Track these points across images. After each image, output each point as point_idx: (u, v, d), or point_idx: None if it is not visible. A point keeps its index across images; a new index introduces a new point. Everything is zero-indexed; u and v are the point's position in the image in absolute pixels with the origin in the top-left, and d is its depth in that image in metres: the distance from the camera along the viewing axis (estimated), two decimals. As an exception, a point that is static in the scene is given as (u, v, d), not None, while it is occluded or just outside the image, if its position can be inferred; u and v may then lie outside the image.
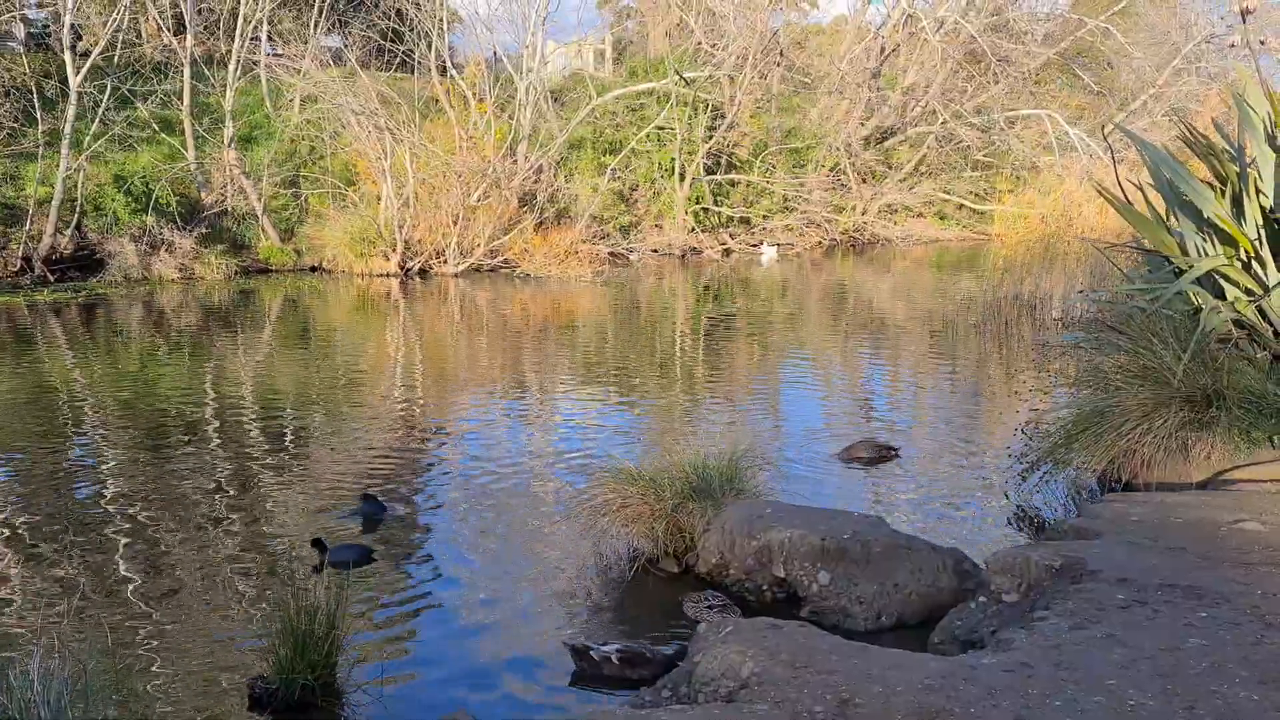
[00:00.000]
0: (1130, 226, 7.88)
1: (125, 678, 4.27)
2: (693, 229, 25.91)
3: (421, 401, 10.13)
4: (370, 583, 5.32)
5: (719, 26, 28.88)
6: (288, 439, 8.40)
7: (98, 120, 20.27)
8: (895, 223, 28.86)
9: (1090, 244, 12.33)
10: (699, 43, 28.87)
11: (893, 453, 7.51)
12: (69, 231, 19.57)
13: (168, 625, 4.79)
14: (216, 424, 8.90)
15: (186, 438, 8.34)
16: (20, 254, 18.78)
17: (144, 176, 20.44)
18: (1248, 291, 6.52)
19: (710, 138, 26.08)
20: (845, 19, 35.72)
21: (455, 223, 20.65)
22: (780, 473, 7.13)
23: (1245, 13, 7.27)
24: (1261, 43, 8.45)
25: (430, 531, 6.10)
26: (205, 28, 24.65)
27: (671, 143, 25.84)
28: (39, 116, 19.88)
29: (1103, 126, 23.46)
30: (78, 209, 19.54)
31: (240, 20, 22.97)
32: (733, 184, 27.46)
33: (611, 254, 23.45)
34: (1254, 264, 6.56)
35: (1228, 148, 7.08)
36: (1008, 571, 4.26)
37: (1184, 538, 4.48)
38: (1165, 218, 7.22)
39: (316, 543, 5.57)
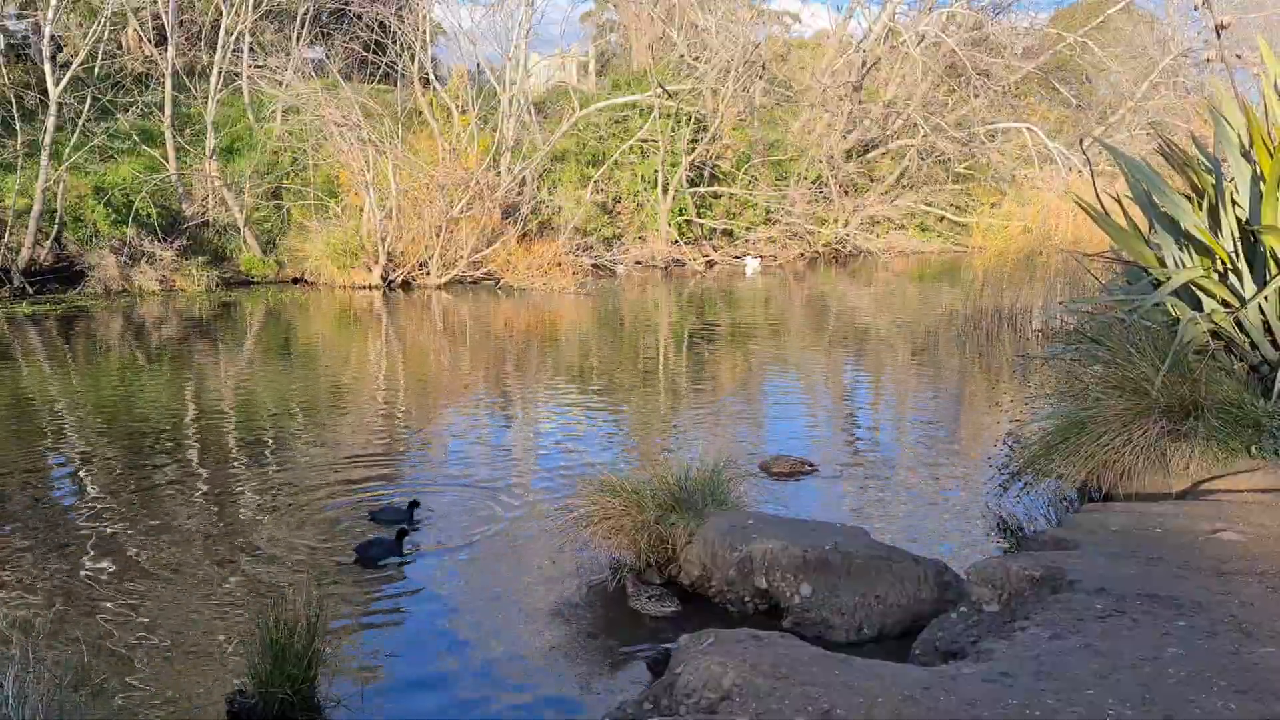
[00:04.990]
0: (1109, 238, 7.94)
1: (101, 694, 4.23)
2: (676, 241, 25.95)
3: (404, 413, 10.09)
4: (350, 595, 5.29)
5: (701, 40, 29.00)
6: (268, 452, 8.35)
7: (78, 131, 20.15)
8: (877, 235, 28.99)
9: (1070, 256, 12.43)
10: (681, 56, 28.98)
11: (810, 468, 7.52)
12: (48, 243, 19.42)
13: (145, 640, 4.75)
14: (197, 437, 8.84)
15: (166, 451, 8.28)
16: (-2, 265, 18.64)
17: (124, 188, 20.33)
18: (1224, 303, 6.58)
19: (693, 150, 26.15)
20: (827, 33, 35.91)
21: (438, 235, 20.61)
22: (762, 484, 7.14)
23: (1220, 28, 7.36)
24: (1238, 57, 8.55)
25: (411, 544, 6.06)
26: (187, 39, 24.57)
27: (655, 155, 25.88)
28: (18, 128, 19.75)
29: (1081, 139, 23.65)
30: (57, 220, 19.41)
31: (222, 32, 22.91)
32: (716, 196, 27.54)
33: (595, 266, 23.46)
34: (1230, 276, 6.62)
35: (1204, 160, 7.15)
36: (988, 582, 4.27)
37: (1163, 547, 4.50)
38: (1149, 230, 7.28)
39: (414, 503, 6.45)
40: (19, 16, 23.70)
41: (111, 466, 7.81)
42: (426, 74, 24.53)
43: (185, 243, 20.69)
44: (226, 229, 21.76)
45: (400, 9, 25.73)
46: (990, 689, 3.17)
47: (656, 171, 25.82)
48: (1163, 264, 7.00)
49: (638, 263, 25.28)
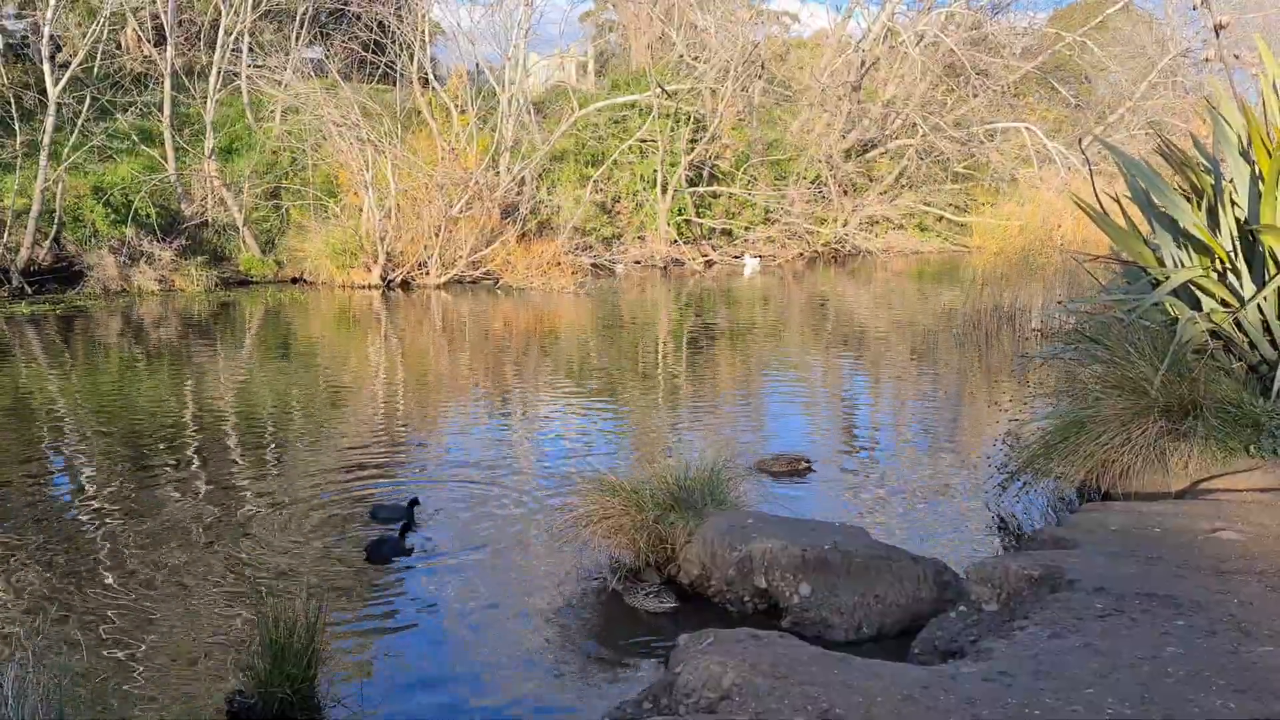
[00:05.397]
0: (1108, 238, 7.94)
1: (101, 693, 4.23)
2: (675, 240, 25.96)
3: (403, 413, 10.09)
4: (350, 595, 5.29)
5: (700, 40, 29.01)
6: (267, 452, 8.35)
7: (77, 131, 20.15)
8: (876, 235, 28.99)
9: (1069, 255, 12.43)
10: (680, 55, 28.99)
11: (807, 465, 7.52)
12: (47, 243, 19.42)
13: (145, 639, 4.75)
14: (196, 437, 8.84)
15: (165, 450, 8.28)
16: (-3, 266, 18.64)
17: (123, 188, 20.33)
18: (1223, 303, 6.59)
19: (692, 150, 26.16)
20: (826, 33, 35.92)
21: (437, 234, 20.61)
22: (761, 483, 7.14)
23: (1219, 28, 7.37)
24: (1236, 57, 8.55)
25: (411, 543, 6.06)
26: (186, 39, 24.57)
27: (654, 155, 25.89)
28: (17, 128, 19.75)
29: (1080, 139, 23.68)
30: (56, 220, 19.40)
31: (221, 32, 22.92)
32: (715, 196, 27.55)
33: (594, 265, 23.47)
34: (1229, 275, 6.63)
35: (1203, 160, 7.16)
36: (987, 581, 4.27)
37: (1162, 547, 4.51)
38: (1151, 231, 7.28)
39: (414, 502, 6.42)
40: (18, 16, 23.70)
41: (110, 466, 7.80)
42: (425, 74, 24.53)
43: (184, 243, 20.69)
44: (225, 229, 21.76)
45: (399, 9, 25.74)
46: (989, 688, 3.17)
47: (655, 171, 25.83)
48: (1161, 264, 7.00)
49: (637, 262, 25.30)
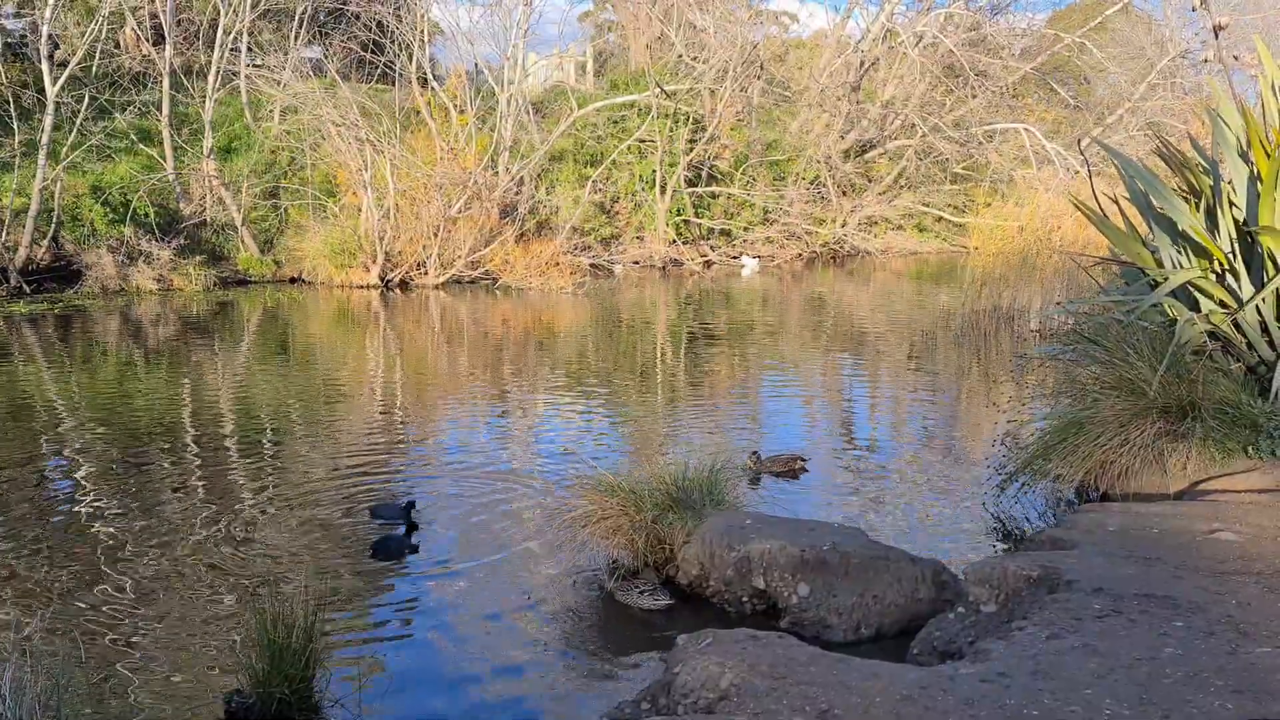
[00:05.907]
0: (1107, 239, 7.95)
1: (99, 692, 4.23)
2: (674, 241, 25.95)
3: (402, 413, 10.09)
4: (348, 595, 5.29)
5: (699, 40, 29.00)
6: (265, 452, 8.35)
7: (75, 130, 20.12)
8: (875, 235, 28.97)
9: (1069, 256, 12.44)
10: (679, 56, 28.98)
11: (802, 464, 7.52)
12: (45, 242, 19.40)
13: (143, 638, 4.74)
14: (194, 436, 8.84)
15: (163, 450, 8.28)
16: (-4, 265, 18.62)
17: (122, 187, 20.31)
18: (1221, 304, 6.59)
19: (691, 150, 26.14)
20: (825, 33, 35.92)
21: (436, 234, 20.60)
22: (760, 484, 7.15)
23: (1218, 29, 7.38)
24: (1235, 58, 8.58)
25: (415, 541, 6.06)
26: (184, 38, 24.56)
27: (652, 155, 25.87)
28: (15, 127, 19.72)
29: (1079, 140, 23.68)
30: (55, 220, 19.38)
31: (220, 31, 22.90)
32: (714, 196, 27.53)
33: (593, 265, 23.46)
34: (1228, 276, 6.64)
35: (1201, 161, 7.16)
36: (985, 582, 4.27)
37: (1160, 547, 4.51)
38: (1149, 232, 7.28)
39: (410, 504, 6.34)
40: (16, 15, 23.68)
41: (108, 466, 7.80)
42: (424, 74, 24.49)
43: (183, 242, 20.69)
44: (224, 228, 21.75)
45: (398, 8, 25.73)
46: (988, 689, 3.17)
47: (654, 171, 25.81)
48: (1160, 265, 7.01)
49: (635, 263, 25.29)
